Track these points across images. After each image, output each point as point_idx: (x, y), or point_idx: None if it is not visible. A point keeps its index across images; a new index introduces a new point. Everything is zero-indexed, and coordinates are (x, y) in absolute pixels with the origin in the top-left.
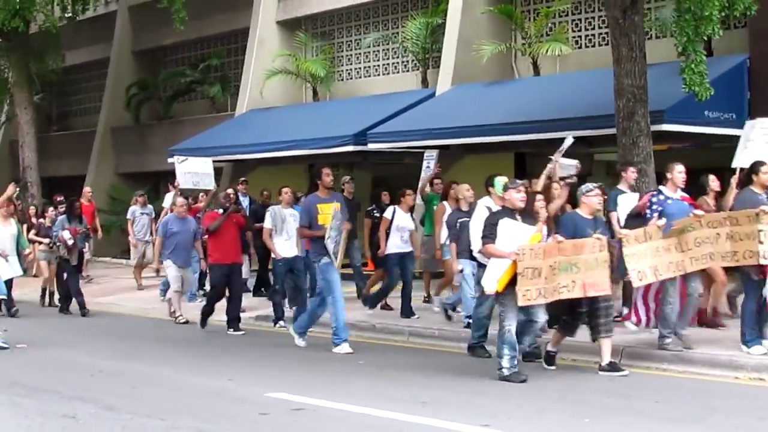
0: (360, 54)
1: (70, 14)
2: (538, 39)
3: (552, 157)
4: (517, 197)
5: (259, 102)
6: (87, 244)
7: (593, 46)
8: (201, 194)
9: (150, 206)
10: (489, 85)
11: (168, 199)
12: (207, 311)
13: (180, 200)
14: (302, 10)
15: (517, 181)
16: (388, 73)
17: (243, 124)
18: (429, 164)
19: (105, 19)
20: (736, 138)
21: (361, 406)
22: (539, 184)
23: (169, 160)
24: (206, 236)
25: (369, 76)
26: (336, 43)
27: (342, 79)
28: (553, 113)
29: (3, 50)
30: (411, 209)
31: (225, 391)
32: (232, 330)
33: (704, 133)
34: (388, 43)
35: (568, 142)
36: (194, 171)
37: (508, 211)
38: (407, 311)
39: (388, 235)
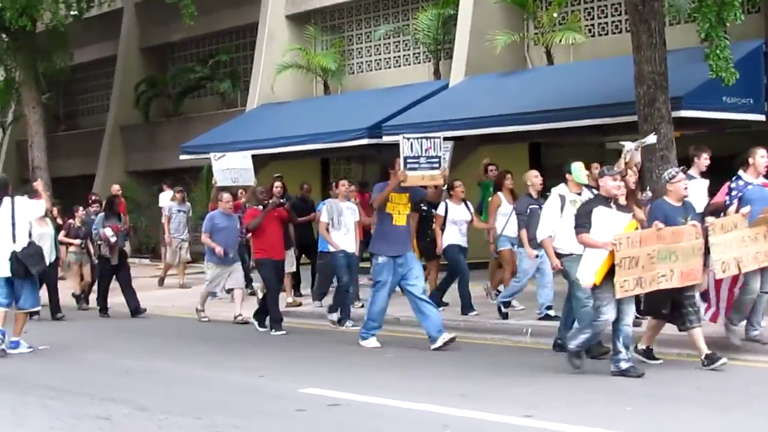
0: (371, 47)
1: (75, 12)
2: (551, 28)
3: (628, 144)
4: (613, 185)
5: (270, 97)
6: (127, 243)
7: (606, 34)
8: (240, 190)
9: (188, 203)
10: (502, 75)
11: (163, 199)
12: (266, 310)
13: (226, 195)
14: (311, 3)
15: (614, 168)
16: (399, 66)
17: (254, 119)
18: (444, 156)
19: (111, 16)
20: (755, 123)
21: (398, 399)
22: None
23: (207, 156)
24: (248, 234)
25: (380, 68)
26: (346, 36)
27: (353, 72)
28: (567, 102)
29: (10, 49)
30: (464, 200)
31: (258, 387)
32: (273, 331)
33: (723, 118)
34: (399, 35)
35: (651, 139)
36: (232, 167)
37: (603, 199)
38: (468, 306)
39: (443, 230)
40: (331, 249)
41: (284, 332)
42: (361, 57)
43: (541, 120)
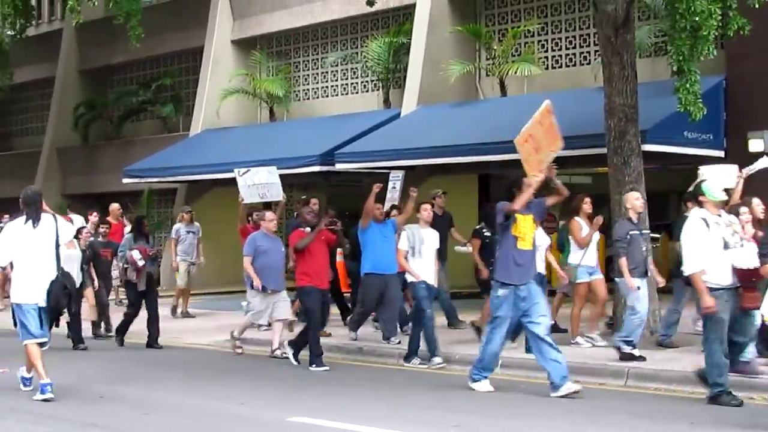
0: (318, 74)
1: (11, 33)
2: (505, 59)
3: (742, 172)
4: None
5: (214, 122)
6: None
7: (560, 67)
8: (255, 214)
9: (197, 224)
10: (455, 105)
11: (78, 223)
12: (305, 342)
13: (269, 214)
14: (258, 29)
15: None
16: (347, 94)
17: (198, 144)
18: (395, 185)
19: (50, 37)
20: (713, 159)
21: (393, 430)
22: (736, 196)
23: (232, 173)
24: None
25: (327, 96)
26: (293, 62)
27: (299, 99)
28: (513, 134)
29: None
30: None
31: (244, 416)
32: (314, 366)
33: (685, 153)
34: (347, 63)
35: (763, 163)
36: (259, 182)
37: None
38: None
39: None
40: (410, 279)
41: (326, 368)
42: (308, 84)
43: (495, 151)
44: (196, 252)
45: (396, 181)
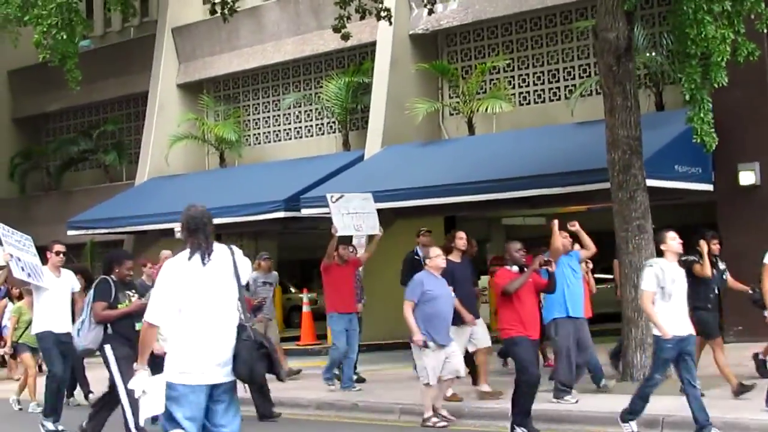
0: (270, 117)
1: None
2: (471, 96)
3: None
4: None
5: (161, 170)
6: None
7: (529, 104)
8: (341, 248)
9: (275, 273)
10: (422, 145)
11: None
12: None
13: (435, 250)
14: (205, 72)
15: None
16: (302, 137)
17: (145, 193)
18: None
19: None
20: (702, 193)
21: None
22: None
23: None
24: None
25: (280, 140)
26: (242, 105)
27: (250, 144)
28: (491, 174)
29: None
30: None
31: None
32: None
33: (675, 188)
34: (301, 105)
35: None
36: (354, 211)
37: None
38: None
39: None
40: (656, 333)
41: None
42: (260, 128)
43: (464, 192)
44: (273, 305)
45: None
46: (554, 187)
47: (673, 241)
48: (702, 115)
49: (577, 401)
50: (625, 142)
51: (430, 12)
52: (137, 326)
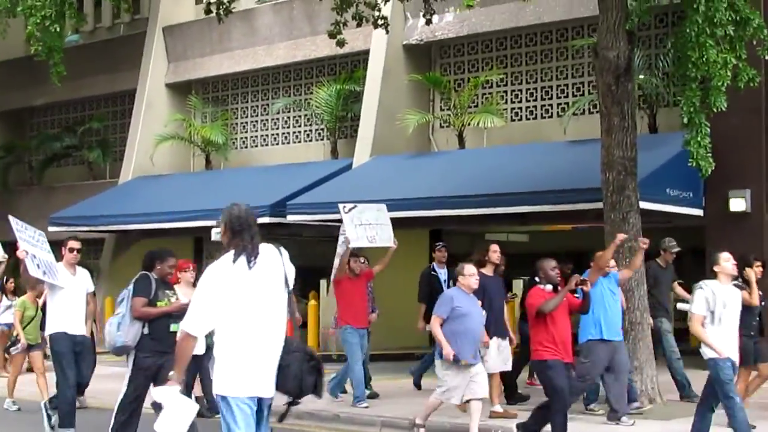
0: (258, 121)
1: None
2: (463, 110)
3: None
4: None
5: (146, 169)
6: None
7: (520, 120)
8: (351, 260)
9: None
10: (412, 157)
11: None
12: (545, 420)
13: (468, 267)
14: (195, 72)
15: None
16: (290, 143)
17: (129, 192)
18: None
19: None
20: (692, 217)
21: None
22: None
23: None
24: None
25: (268, 144)
26: (231, 108)
27: (237, 148)
28: (480, 188)
29: None
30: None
31: None
32: None
33: (667, 211)
34: (290, 111)
35: None
36: (367, 222)
37: None
38: None
39: None
40: (709, 354)
41: None
42: (248, 131)
43: (451, 206)
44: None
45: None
46: (545, 205)
47: (726, 262)
48: (699, 139)
49: (633, 423)
50: (620, 162)
51: (428, 22)
52: (173, 327)
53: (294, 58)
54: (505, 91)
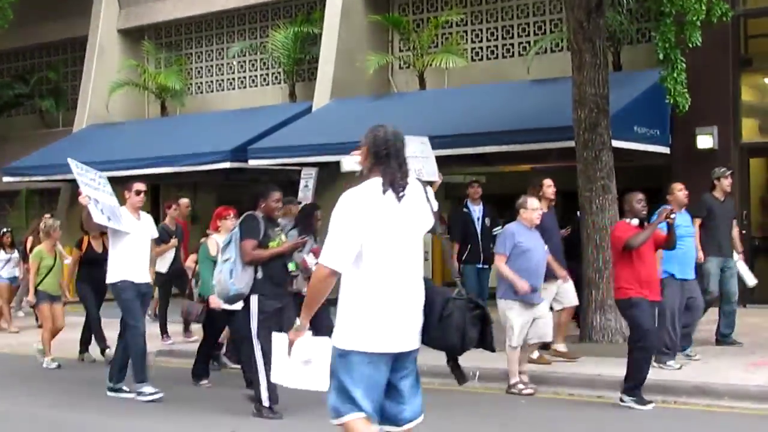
0: (214, 66)
1: None
2: (423, 51)
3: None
4: None
5: (101, 117)
6: None
7: (481, 60)
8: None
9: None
10: (372, 99)
11: None
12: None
13: (532, 201)
14: (147, 18)
15: None
16: (246, 87)
17: (84, 140)
18: (307, 183)
19: None
20: (660, 155)
21: None
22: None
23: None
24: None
25: (224, 90)
26: (185, 53)
27: (192, 93)
28: (443, 129)
29: None
30: None
31: None
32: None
33: (633, 149)
34: (246, 55)
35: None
36: (412, 154)
37: None
38: None
39: None
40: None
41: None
42: (203, 77)
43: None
44: None
45: (308, 179)
46: (510, 144)
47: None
48: (675, 75)
49: (680, 367)
50: (592, 100)
51: None
52: (291, 267)
53: (248, 1)
54: (466, 31)
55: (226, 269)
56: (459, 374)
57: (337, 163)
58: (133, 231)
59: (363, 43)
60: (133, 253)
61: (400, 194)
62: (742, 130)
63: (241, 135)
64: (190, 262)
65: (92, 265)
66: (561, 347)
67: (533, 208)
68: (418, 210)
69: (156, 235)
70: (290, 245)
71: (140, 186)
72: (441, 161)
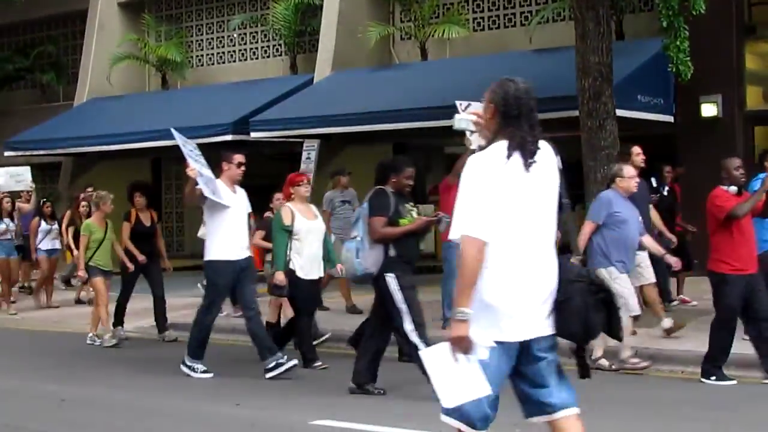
0: (214, 38)
1: None
2: (425, 21)
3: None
4: None
5: (102, 90)
6: None
7: (483, 30)
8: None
9: (352, 190)
10: (374, 70)
11: None
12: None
13: (628, 169)
14: None
15: None
16: (247, 59)
17: (85, 114)
18: (309, 155)
19: None
20: (664, 124)
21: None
22: None
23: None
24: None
25: (224, 62)
26: (185, 26)
27: (193, 66)
28: (444, 100)
29: None
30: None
31: (260, 420)
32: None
33: (637, 118)
34: (246, 27)
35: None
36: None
37: None
38: None
39: None
40: None
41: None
42: (204, 49)
43: (414, 118)
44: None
45: (311, 151)
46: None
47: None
48: (678, 43)
49: None
50: (596, 68)
51: None
52: (422, 246)
53: None
54: (467, 1)
55: (353, 247)
56: (582, 366)
57: (341, 135)
58: (232, 205)
59: (364, 15)
60: (231, 229)
61: (529, 163)
62: (746, 98)
63: (242, 107)
64: (257, 240)
65: (140, 238)
66: (667, 323)
67: (630, 176)
68: (548, 181)
69: (250, 209)
70: (423, 222)
71: (241, 158)
72: (443, 132)
